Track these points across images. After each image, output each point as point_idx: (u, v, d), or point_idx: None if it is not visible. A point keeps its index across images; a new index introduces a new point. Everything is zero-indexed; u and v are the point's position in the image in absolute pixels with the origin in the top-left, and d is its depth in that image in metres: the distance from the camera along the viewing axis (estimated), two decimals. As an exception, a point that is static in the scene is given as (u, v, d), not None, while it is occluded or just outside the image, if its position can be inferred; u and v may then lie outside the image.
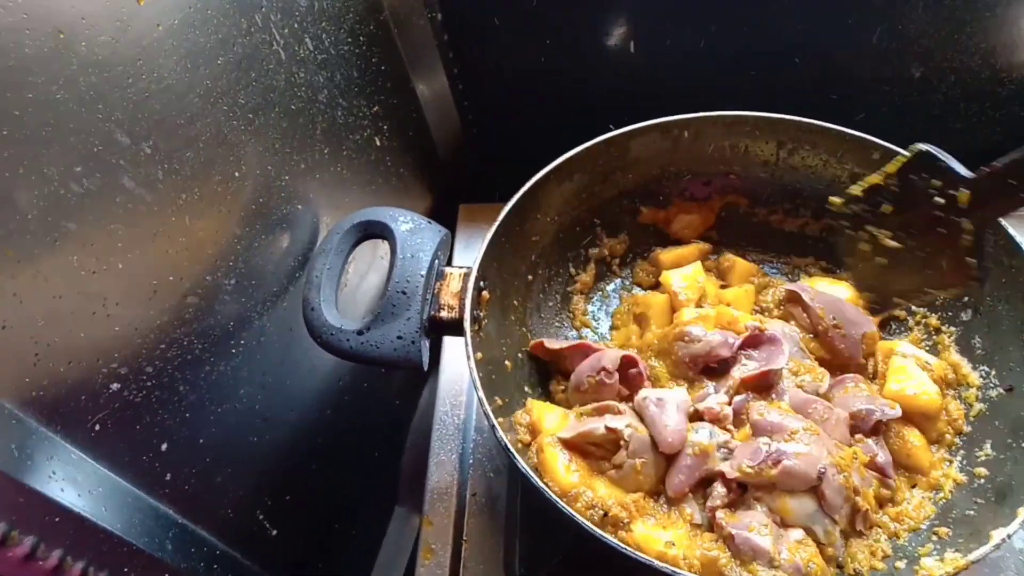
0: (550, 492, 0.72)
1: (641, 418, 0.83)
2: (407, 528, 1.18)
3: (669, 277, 1.01)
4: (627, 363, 0.89)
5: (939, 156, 0.76)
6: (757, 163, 1.04)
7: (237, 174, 0.74)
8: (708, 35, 1.14)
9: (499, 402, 0.86)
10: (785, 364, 0.86)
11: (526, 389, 0.95)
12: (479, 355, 0.84)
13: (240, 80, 0.73)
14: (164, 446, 0.69)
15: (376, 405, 1.15)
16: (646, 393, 0.84)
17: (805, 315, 0.95)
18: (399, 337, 0.82)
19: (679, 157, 1.04)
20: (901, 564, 0.76)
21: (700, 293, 0.98)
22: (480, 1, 1.09)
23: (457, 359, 1.10)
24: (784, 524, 0.75)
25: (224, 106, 0.71)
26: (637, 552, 0.68)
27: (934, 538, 0.78)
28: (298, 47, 0.82)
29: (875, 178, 0.83)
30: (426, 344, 0.84)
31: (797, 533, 0.74)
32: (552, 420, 0.86)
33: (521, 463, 0.73)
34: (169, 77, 0.64)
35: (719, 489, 0.78)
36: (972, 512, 0.77)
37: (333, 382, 0.99)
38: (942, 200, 0.75)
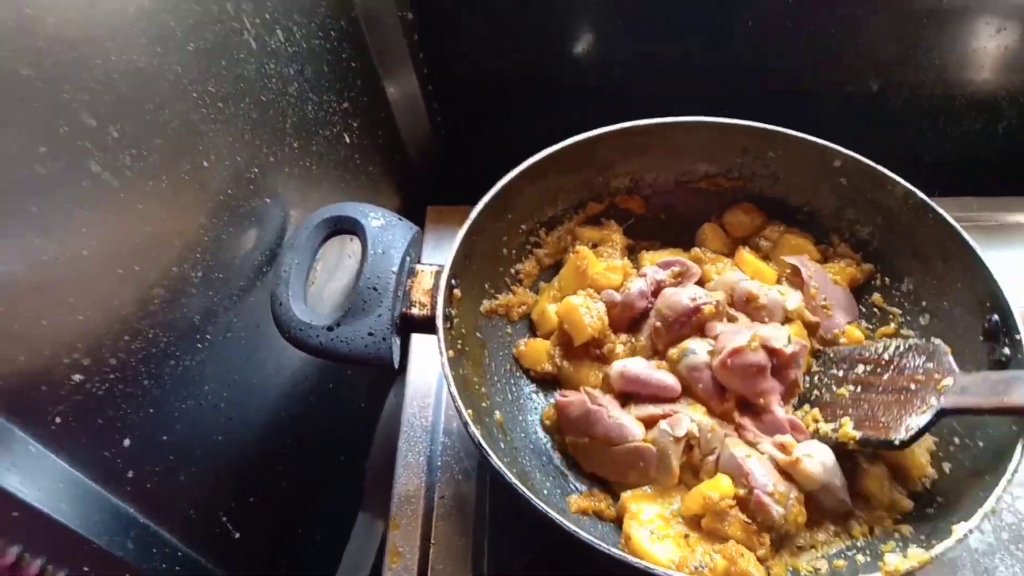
0: (523, 488, 0.71)
1: None
2: (371, 534, 1.16)
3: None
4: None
5: (946, 355, 0.80)
6: (724, 167, 1.05)
7: (206, 164, 0.72)
8: (677, 43, 1.16)
9: (471, 399, 0.85)
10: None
11: (497, 386, 0.94)
12: (451, 352, 0.83)
13: (211, 68, 0.71)
14: (127, 442, 0.66)
15: (342, 407, 1.13)
16: None
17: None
18: (370, 334, 0.81)
19: (647, 160, 1.05)
20: (862, 559, 0.78)
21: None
22: (452, 2, 1.09)
23: (425, 361, 1.09)
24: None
25: (194, 93, 0.69)
26: (610, 548, 0.67)
27: (896, 535, 0.79)
28: (269, 38, 0.80)
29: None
30: (397, 341, 0.83)
31: None
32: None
33: (494, 459, 0.72)
34: (139, 60, 0.62)
35: None
36: (932, 511, 0.79)
37: (300, 382, 0.97)
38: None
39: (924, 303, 0.96)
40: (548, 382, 1.00)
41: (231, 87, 0.74)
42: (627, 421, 0.85)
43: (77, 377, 0.60)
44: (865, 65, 1.18)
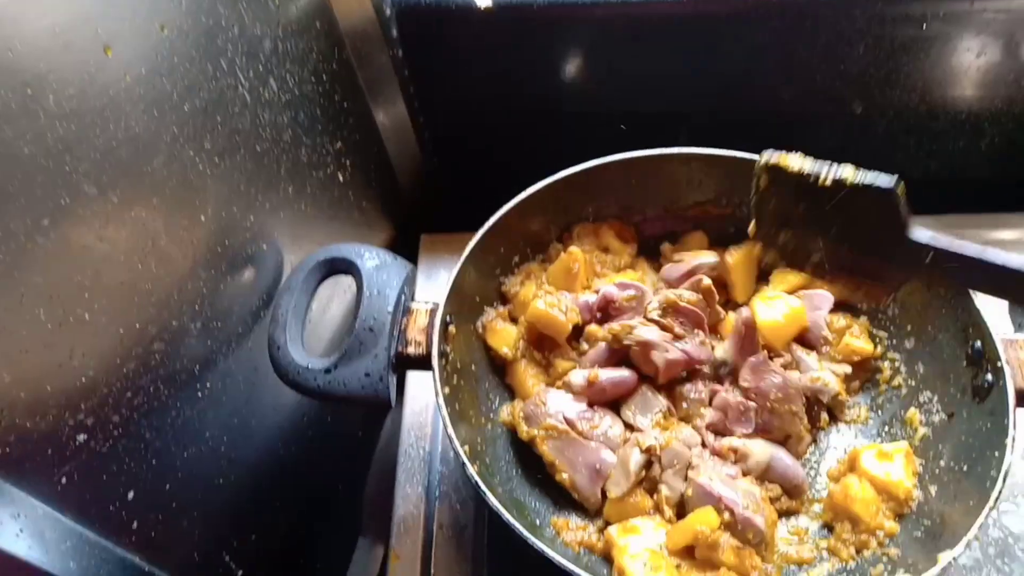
0: (520, 527, 0.73)
1: None
2: (371, 558, 1.18)
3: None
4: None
5: (900, 202, 0.75)
6: (712, 195, 1.07)
7: (203, 218, 0.74)
8: (665, 70, 1.18)
9: (467, 432, 0.87)
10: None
11: (493, 415, 0.96)
12: (446, 389, 0.85)
13: (206, 124, 0.73)
14: (131, 494, 0.68)
15: (339, 439, 1.15)
16: None
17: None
18: (367, 375, 0.83)
19: (638, 190, 1.06)
20: (852, 581, 0.80)
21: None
22: (439, 39, 1.11)
23: (420, 391, 1.11)
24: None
25: (191, 151, 0.71)
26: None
27: (884, 558, 0.81)
28: (263, 89, 0.82)
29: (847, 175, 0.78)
30: (393, 380, 0.85)
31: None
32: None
33: (492, 500, 0.74)
34: (136, 126, 0.64)
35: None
36: (919, 534, 0.81)
37: (298, 418, 0.99)
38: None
39: (909, 327, 0.98)
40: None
41: (227, 141, 0.76)
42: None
43: (81, 437, 0.62)
44: (849, 89, 1.19)
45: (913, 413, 0.93)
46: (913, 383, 0.95)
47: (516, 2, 1.08)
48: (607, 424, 0.91)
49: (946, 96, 1.21)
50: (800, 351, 0.98)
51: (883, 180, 0.75)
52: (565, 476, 0.88)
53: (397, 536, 0.98)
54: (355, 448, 1.22)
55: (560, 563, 0.71)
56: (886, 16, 1.10)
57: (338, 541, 1.16)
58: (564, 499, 0.91)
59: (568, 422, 0.89)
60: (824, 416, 0.98)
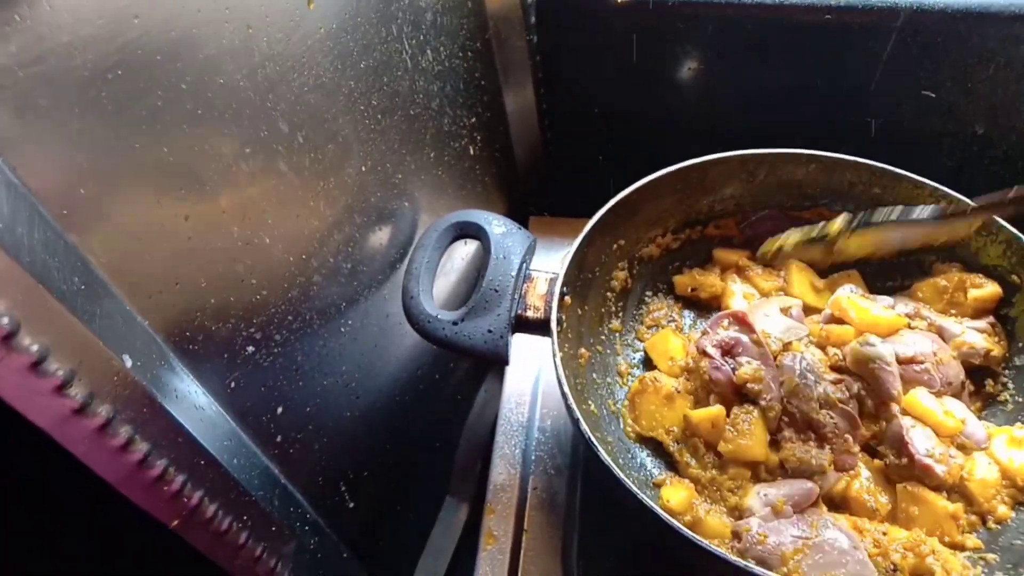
0: (629, 484, 0.77)
1: None
2: (455, 518, 1.23)
3: None
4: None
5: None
6: (829, 199, 1.09)
7: (363, 168, 0.80)
8: (782, 77, 1.20)
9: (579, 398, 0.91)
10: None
11: (592, 388, 1.01)
12: (560, 353, 0.90)
13: (375, 83, 0.80)
14: (280, 409, 0.75)
15: (442, 398, 1.21)
16: None
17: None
18: (489, 331, 0.88)
19: (755, 186, 1.09)
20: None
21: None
22: (573, 29, 1.16)
23: (523, 361, 1.15)
24: None
25: (361, 106, 0.78)
26: (705, 541, 0.72)
27: (982, 562, 0.82)
28: (421, 57, 0.89)
29: None
30: (511, 340, 0.90)
31: None
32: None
33: (603, 454, 0.79)
34: (324, 75, 0.71)
35: None
36: (1020, 542, 0.82)
37: (413, 371, 1.05)
38: None
39: (1021, 344, 0.98)
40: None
41: (388, 101, 0.83)
42: None
43: (250, 349, 0.69)
44: (973, 108, 1.19)
45: (1018, 428, 0.93)
46: (1020, 399, 0.95)
47: (650, -2, 1.12)
48: (831, 535, 0.82)
49: (1075, 124, 1.20)
50: (939, 319, 0.99)
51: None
52: None
53: (493, 493, 1.03)
54: (453, 411, 1.27)
55: (666, 520, 0.74)
56: (1021, 37, 1.10)
57: (428, 497, 1.21)
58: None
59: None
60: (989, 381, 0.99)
